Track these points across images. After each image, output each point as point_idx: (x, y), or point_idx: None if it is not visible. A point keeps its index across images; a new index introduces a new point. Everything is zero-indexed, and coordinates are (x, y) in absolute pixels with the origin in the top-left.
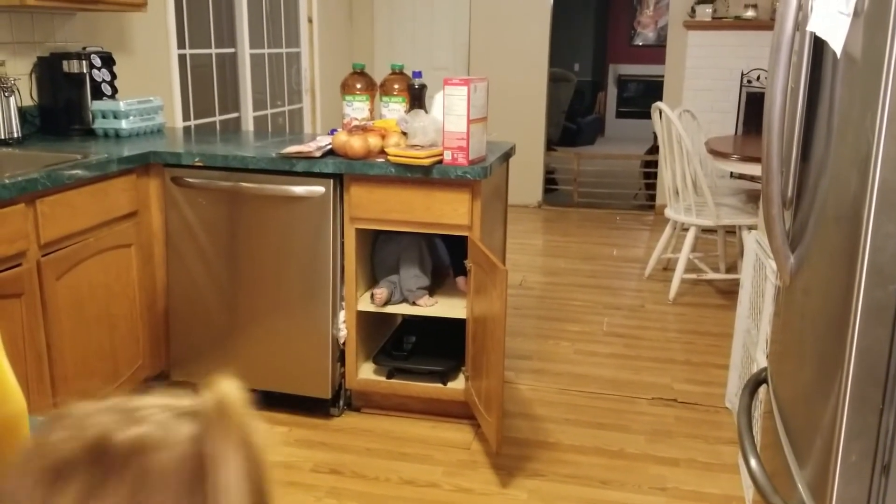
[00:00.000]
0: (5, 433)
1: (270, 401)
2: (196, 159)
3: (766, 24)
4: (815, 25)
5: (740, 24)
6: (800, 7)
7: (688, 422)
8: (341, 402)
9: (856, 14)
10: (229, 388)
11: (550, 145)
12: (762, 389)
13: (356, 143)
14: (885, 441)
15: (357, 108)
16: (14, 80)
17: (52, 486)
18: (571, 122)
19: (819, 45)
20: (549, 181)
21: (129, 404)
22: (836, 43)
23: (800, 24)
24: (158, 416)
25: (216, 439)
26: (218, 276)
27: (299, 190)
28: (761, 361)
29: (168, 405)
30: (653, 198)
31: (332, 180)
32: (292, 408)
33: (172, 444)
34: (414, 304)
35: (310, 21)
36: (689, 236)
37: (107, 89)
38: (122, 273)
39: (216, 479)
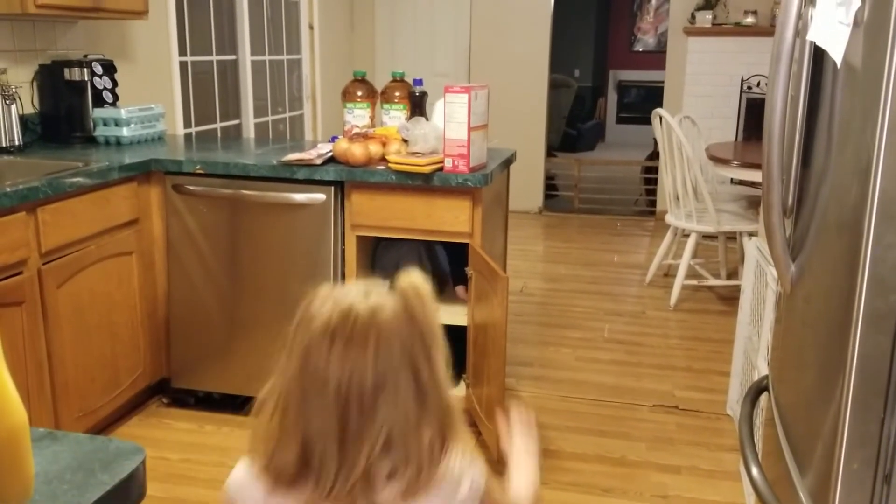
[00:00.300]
0: (7, 446)
1: None
2: (197, 167)
3: (765, 30)
4: (815, 35)
5: (740, 30)
6: (800, 16)
7: (689, 429)
8: None
9: (856, 24)
10: (416, 277)
11: (551, 151)
12: (763, 397)
13: (357, 151)
14: (886, 449)
15: (358, 116)
16: (15, 87)
17: (328, 339)
18: (572, 128)
19: (819, 53)
20: (550, 187)
21: (362, 287)
22: (837, 53)
23: (800, 32)
24: (379, 292)
25: (414, 300)
26: (219, 283)
27: (300, 197)
28: (762, 369)
29: (376, 288)
30: (653, 204)
31: (332, 188)
32: None
33: (391, 307)
34: None
35: (311, 28)
36: (690, 242)
37: (108, 97)
38: (122, 281)
39: (419, 322)
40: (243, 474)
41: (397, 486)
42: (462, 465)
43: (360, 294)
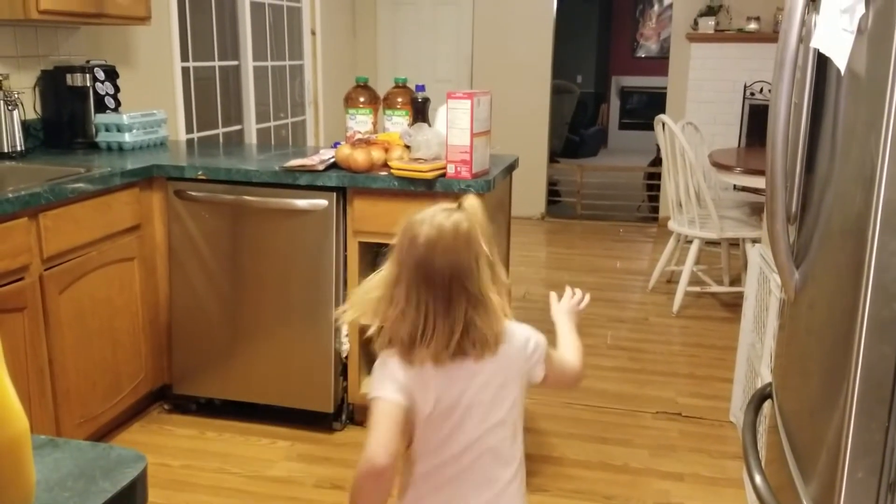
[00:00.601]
0: (8, 454)
1: (272, 415)
2: (199, 173)
3: (768, 36)
4: (818, 42)
5: (743, 36)
6: (803, 23)
7: (692, 436)
8: (344, 417)
9: (859, 31)
10: (476, 202)
11: (553, 157)
12: (767, 404)
13: (359, 157)
14: (891, 458)
15: (360, 122)
16: (18, 93)
17: (432, 247)
18: (574, 134)
19: (823, 60)
20: (552, 193)
21: (442, 210)
22: (840, 60)
23: (803, 40)
24: (453, 212)
25: (477, 213)
26: (220, 289)
27: (302, 203)
28: (765, 376)
29: (451, 210)
30: (656, 210)
31: (335, 194)
32: (294, 422)
33: (465, 220)
34: None
35: (313, 34)
36: (693, 249)
37: (110, 102)
38: (124, 287)
39: (483, 227)
40: (388, 361)
41: (482, 338)
42: (525, 329)
43: (443, 215)
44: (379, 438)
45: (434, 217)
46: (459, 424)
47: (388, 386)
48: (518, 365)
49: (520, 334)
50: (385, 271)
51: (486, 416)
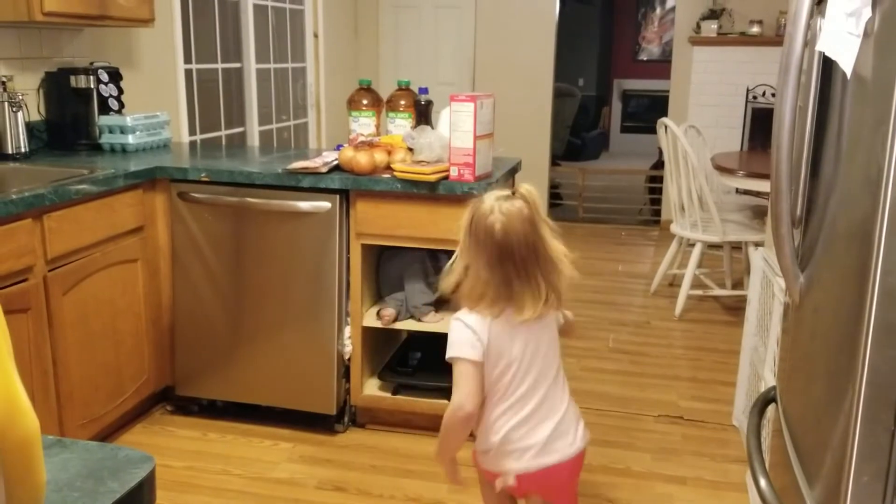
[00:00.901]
0: (19, 454)
1: (275, 417)
2: (202, 174)
3: (771, 40)
4: (824, 45)
5: (746, 39)
6: (809, 26)
7: (694, 440)
8: (346, 419)
9: (865, 35)
10: (531, 188)
11: (555, 160)
12: (770, 408)
13: (362, 159)
14: None
15: (363, 124)
16: (22, 95)
17: (505, 232)
18: (576, 137)
19: (828, 63)
20: (554, 196)
21: (505, 197)
22: (846, 63)
23: (808, 43)
24: (514, 199)
25: (534, 199)
26: (223, 291)
27: (305, 205)
28: (769, 380)
29: (512, 198)
30: (658, 213)
31: (338, 196)
32: (297, 424)
33: (525, 206)
34: (419, 320)
35: (315, 36)
36: (695, 252)
37: (114, 104)
38: (127, 288)
39: (540, 211)
40: (473, 319)
41: (558, 295)
42: None
43: (507, 204)
44: (465, 391)
45: (500, 206)
46: (530, 365)
47: (468, 349)
48: (554, 326)
49: None
50: (462, 262)
51: (550, 359)
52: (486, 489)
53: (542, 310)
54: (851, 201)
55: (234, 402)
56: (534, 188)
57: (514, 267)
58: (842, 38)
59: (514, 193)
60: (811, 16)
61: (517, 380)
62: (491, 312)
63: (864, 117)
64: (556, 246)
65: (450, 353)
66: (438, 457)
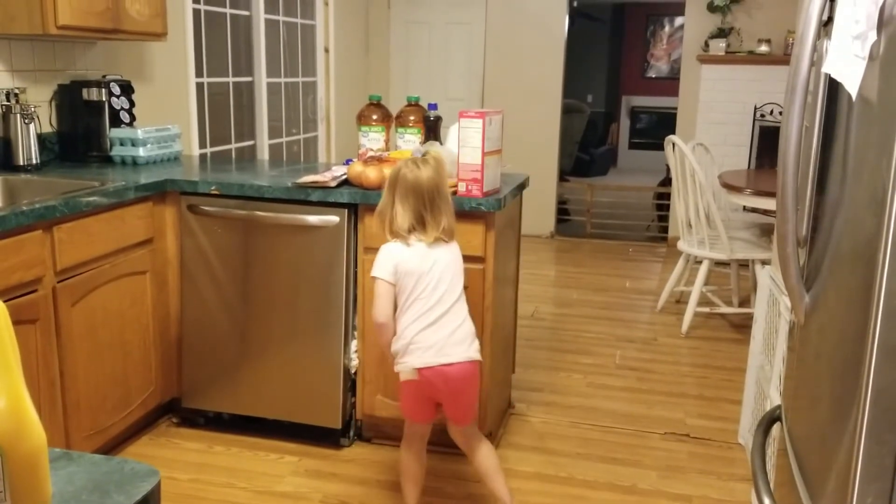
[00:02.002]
0: (26, 467)
1: (280, 430)
2: (212, 188)
3: (779, 59)
4: (830, 67)
5: (754, 58)
6: (815, 48)
7: (700, 458)
8: (352, 433)
9: (871, 58)
10: (438, 153)
11: (563, 176)
12: (776, 427)
13: (371, 174)
14: None
15: (373, 139)
16: (34, 107)
17: (417, 180)
18: (584, 153)
19: (834, 85)
20: (562, 211)
21: (419, 158)
22: (852, 86)
23: (815, 64)
24: (426, 159)
25: (441, 161)
26: (231, 304)
27: (314, 219)
28: (775, 398)
29: (417, 157)
30: (665, 230)
31: (346, 210)
32: (302, 438)
33: (435, 163)
34: None
35: (326, 51)
36: (702, 269)
37: (125, 117)
38: (136, 300)
39: (443, 170)
40: (394, 246)
41: (451, 230)
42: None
43: (420, 160)
44: (378, 304)
45: (414, 162)
46: (438, 282)
47: (385, 270)
48: (458, 256)
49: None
50: (381, 204)
51: (455, 281)
52: (406, 401)
53: (441, 234)
54: (856, 222)
55: (241, 414)
56: (441, 154)
57: (422, 202)
58: (847, 60)
59: (424, 155)
60: (818, 37)
61: (427, 292)
62: (407, 238)
63: (870, 139)
64: (449, 195)
65: (372, 272)
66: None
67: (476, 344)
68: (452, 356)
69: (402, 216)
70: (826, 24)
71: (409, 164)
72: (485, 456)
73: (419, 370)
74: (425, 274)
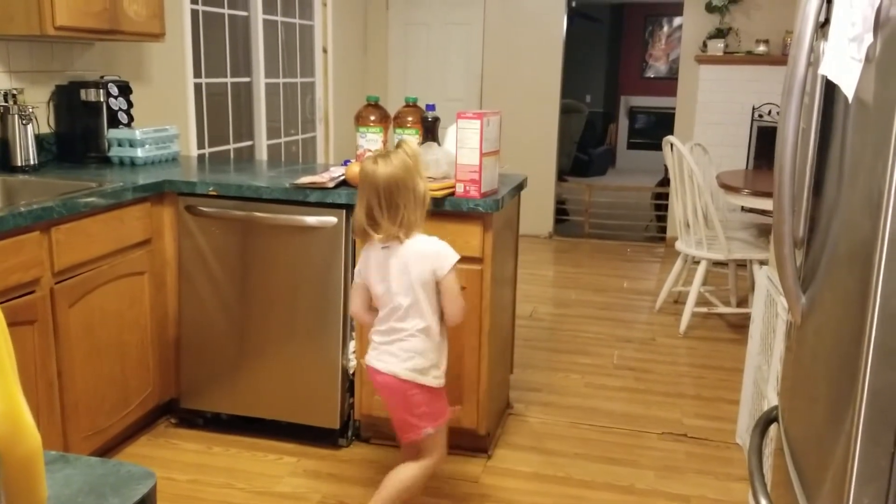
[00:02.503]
0: (22, 471)
1: (279, 430)
2: (210, 188)
3: (777, 59)
4: (826, 69)
5: (752, 59)
6: (812, 49)
7: (698, 458)
8: (350, 433)
9: (867, 60)
10: (413, 143)
11: (562, 176)
12: (773, 427)
13: None
14: None
15: (371, 140)
16: (32, 107)
17: (375, 176)
18: (583, 153)
19: (831, 86)
20: (561, 212)
21: (385, 150)
22: (848, 88)
23: (812, 65)
24: (394, 151)
25: (412, 152)
26: (229, 304)
27: (312, 220)
28: (772, 399)
29: (386, 150)
30: (664, 230)
31: (344, 211)
32: (300, 438)
33: (402, 157)
34: None
35: (324, 51)
36: (700, 270)
37: (123, 118)
38: (134, 301)
39: (417, 162)
40: (365, 248)
41: (405, 228)
42: (439, 242)
43: (386, 154)
44: (352, 299)
45: (378, 155)
46: (390, 285)
47: (357, 272)
48: (418, 259)
49: (429, 238)
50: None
51: (416, 290)
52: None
53: (395, 231)
54: (853, 224)
55: (239, 415)
56: (415, 143)
57: (377, 198)
58: (844, 62)
59: (397, 147)
60: (815, 39)
61: (381, 294)
62: (363, 239)
63: (866, 141)
64: (424, 186)
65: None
66: None
67: (416, 363)
68: (383, 364)
69: (357, 211)
70: (823, 26)
71: (371, 157)
72: (398, 472)
73: (367, 367)
74: (374, 275)
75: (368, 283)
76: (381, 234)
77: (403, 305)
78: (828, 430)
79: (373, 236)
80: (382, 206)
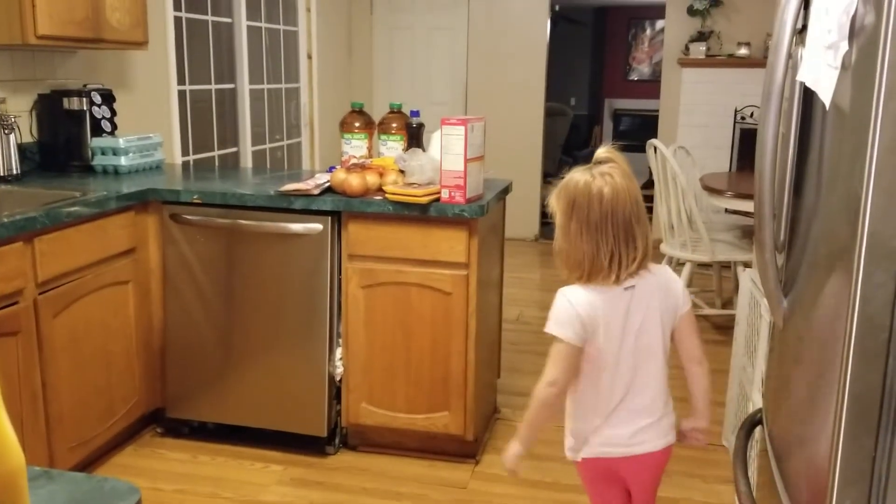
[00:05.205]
0: (5, 489)
1: (265, 439)
2: (195, 196)
3: (759, 62)
4: (804, 76)
5: (734, 61)
6: (790, 55)
7: (685, 460)
8: (337, 441)
9: (844, 67)
10: (613, 151)
11: (547, 178)
12: (758, 430)
13: (354, 181)
14: (878, 487)
15: (355, 146)
16: (14, 116)
17: (602, 200)
18: (567, 156)
19: (810, 91)
20: (546, 215)
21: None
22: (825, 94)
23: (791, 69)
24: (609, 171)
25: (622, 165)
26: (215, 313)
27: (297, 227)
28: (757, 401)
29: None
30: None
31: (329, 218)
32: (287, 446)
33: (618, 173)
34: None
35: (309, 57)
36: (685, 272)
37: (106, 126)
38: (119, 310)
39: (629, 178)
40: (575, 291)
41: (642, 263)
42: (675, 275)
43: (602, 175)
44: (556, 372)
45: (598, 179)
46: (624, 337)
47: (569, 328)
48: (661, 294)
49: (665, 270)
50: (564, 232)
51: (641, 330)
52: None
53: (635, 267)
54: (832, 228)
55: (225, 423)
56: (615, 150)
57: (617, 233)
58: (820, 69)
59: (599, 162)
60: (792, 44)
61: (612, 354)
62: (590, 282)
63: (843, 147)
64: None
65: (548, 327)
66: (518, 436)
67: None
68: (647, 445)
69: (582, 254)
70: (801, 32)
71: (585, 175)
72: None
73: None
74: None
75: (597, 337)
76: (628, 273)
77: (650, 352)
78: (809, 434)
79: (616, 282)
80: (621, 234)
